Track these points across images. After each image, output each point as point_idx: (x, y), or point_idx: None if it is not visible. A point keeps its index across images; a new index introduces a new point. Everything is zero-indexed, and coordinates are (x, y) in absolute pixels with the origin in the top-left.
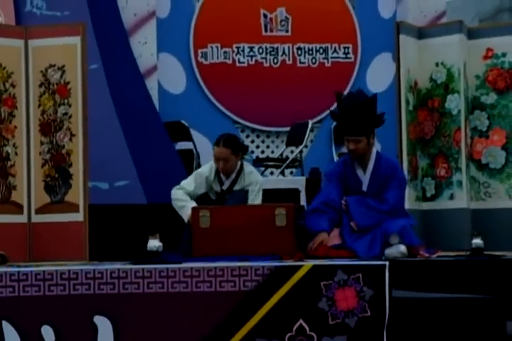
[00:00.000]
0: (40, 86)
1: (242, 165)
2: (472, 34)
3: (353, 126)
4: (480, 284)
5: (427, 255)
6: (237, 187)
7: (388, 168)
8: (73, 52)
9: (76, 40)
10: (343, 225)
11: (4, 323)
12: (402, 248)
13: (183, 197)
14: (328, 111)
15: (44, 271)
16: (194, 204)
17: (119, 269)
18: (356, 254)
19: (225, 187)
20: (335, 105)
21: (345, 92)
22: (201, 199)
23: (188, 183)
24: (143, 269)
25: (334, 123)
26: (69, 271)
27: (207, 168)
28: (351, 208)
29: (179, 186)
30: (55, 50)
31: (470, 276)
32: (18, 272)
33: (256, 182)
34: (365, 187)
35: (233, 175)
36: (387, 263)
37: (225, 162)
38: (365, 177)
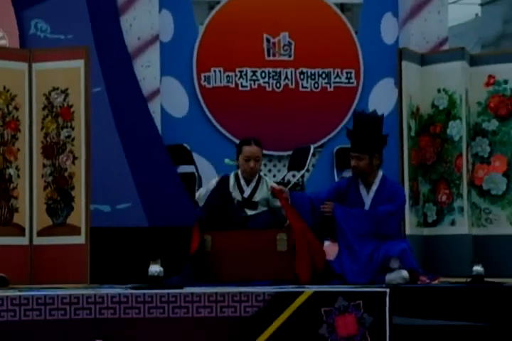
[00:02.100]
0: (44, 109)
1: (259, 173)
2: (474, 61)
3: (357, 143)
4: (480, 312)
5: (427, 281)
6: (257, 196)
7: (392, 190)
8: (77, 76)
9: (80, 64)
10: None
11: None
12: (404, 273)
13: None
14: (329, 137)
15: (45, 296)
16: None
17: (120, 294)
18: (345, 279)
19: (246, 195)
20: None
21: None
22: (222, 214)
23: (201, 189)
24: (144, 294)
25: (336, 148)
26: (70, 295)
27: (216, 180)
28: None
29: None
30: (59, 73)
31: (470, 303)
32: (20, 296)
33: None
34: (367, 207)
35: (253, 183)
36: (387, 290)
37: (256, 161)
38: (368, 198)
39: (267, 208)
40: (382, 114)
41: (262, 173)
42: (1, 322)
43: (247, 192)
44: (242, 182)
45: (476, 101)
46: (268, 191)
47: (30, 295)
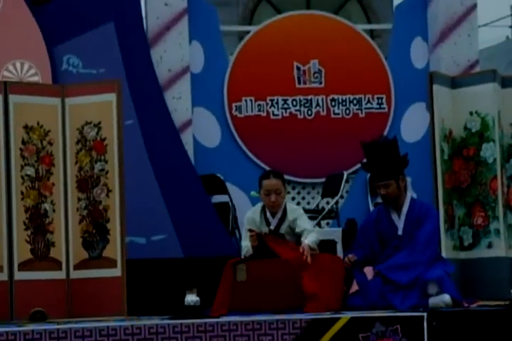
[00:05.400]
0: (77, 143)
1: (284, 203)
2: (506, 82)
3: (378, 171)
4: None
5: (466, 305)
6: (284, 226)
7: (422, 209)
8: (109, 109)
9: (111, 97)
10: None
11: None
12: (447, 298)
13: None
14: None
15: (83, 328)
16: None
17: (157, 325)
18: (394, 307)
19: (272, 227)
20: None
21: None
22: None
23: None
24: (181, 324)
25: (369, 174)
26: (107, 327)
27: (252, 210)
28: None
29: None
30: (91, 107)
31: (510, 326)
32: (58, 329)
33: (300, 214)
34: (400, 232)
35: (279, 214)
36: (425, 314)
37: (277, 194)
38: (399, 221)
39: (293, 238)
40: (395, 136)
41: (287, 203)
42: None
43: (274, 224)
44: (268, 214)
45: (509, 122)
46: (291, 218)
47: (68, 328)
